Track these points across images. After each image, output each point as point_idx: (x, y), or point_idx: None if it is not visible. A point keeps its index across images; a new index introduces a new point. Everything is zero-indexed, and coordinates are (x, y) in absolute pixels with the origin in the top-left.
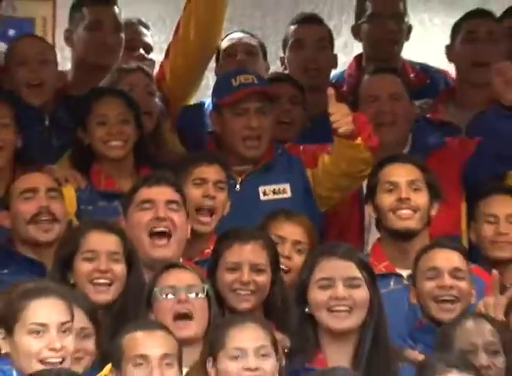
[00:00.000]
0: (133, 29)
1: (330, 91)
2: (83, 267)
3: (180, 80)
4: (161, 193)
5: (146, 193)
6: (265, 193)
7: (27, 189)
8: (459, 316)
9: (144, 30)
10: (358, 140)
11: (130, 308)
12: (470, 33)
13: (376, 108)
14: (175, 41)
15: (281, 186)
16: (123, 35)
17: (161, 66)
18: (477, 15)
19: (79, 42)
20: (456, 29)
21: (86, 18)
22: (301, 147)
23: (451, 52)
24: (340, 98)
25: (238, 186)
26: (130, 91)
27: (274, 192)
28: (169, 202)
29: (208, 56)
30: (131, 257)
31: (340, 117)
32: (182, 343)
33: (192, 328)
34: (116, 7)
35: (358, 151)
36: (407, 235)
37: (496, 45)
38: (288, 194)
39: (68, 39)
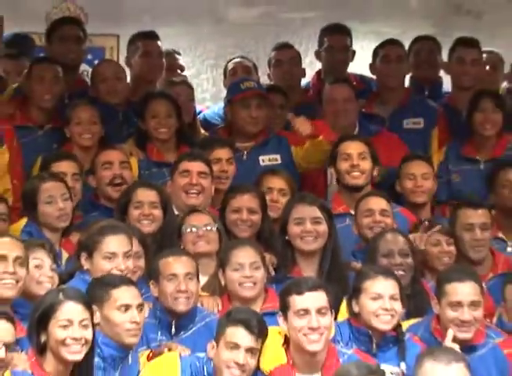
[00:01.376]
0: (171, 56)
1: (291, 116)
2: (133, 212)
3: None
4: (195, 165)
5: (185, 165)
6: (263, 161)
7: (105, 161)
8: (381, 231)
9: (177, 56)
10: (320, 138)
11: (166, 238)
12: (385, 56)
13: (335, 107)
14: None
15: (274, 156)
16: (164, 60)
17: None
18: (390, 43)
19: (135, 65)
20: (375, 52)
21: (140, 49)
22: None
23: (372, 69)
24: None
25: (245, 157)
26: (177, 96)
27: (269, 160)
28: (200, 172)
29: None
30: (166, 205)
31: (300, 125)
32: (201, 257)
33: (208, 248)
34: (159, 41)
35: (321, 145)
36: (357, 188)
37: (402, 64)
38: (279, 162)
39: (128, 63)
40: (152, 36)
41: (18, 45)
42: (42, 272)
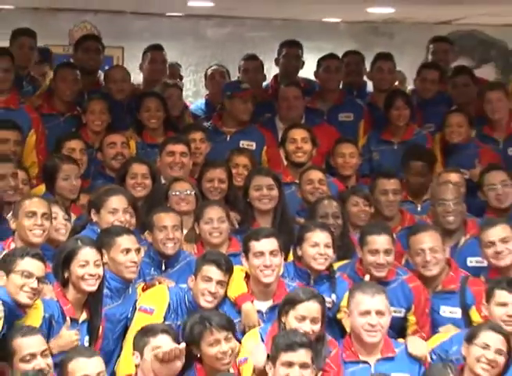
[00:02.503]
0: (175, 67)
1: None
2: (129, 181)
3: None
4: (178, 147)
5: (170, 147)
6: (242, 144)
7: (110, 142)
8: (319, 197)
9: (179, 67)
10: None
11: (156, 200)
12: (326, 67)
13: (287, 104)
14: None
15: (251, 143)
16: (167, 66)
17: None
18: (331, 56)
19: (145, 69)
20: (319, 63)
21: (148, 57)
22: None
23: (316, 75)
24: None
25: (228, 139)
26: (170, 96)
27: (247, 145)
28: (181, 152)
29: None
30: (155, 176)
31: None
32: (183, 214)
33: (188, 207)
34: (163, 52)
35: None
36: (301, 165)
37: (338, 73)
38: (253, 148)
39: (140, 68)
40: (158, 47)
41: (41, 54)
42: (58, 221)
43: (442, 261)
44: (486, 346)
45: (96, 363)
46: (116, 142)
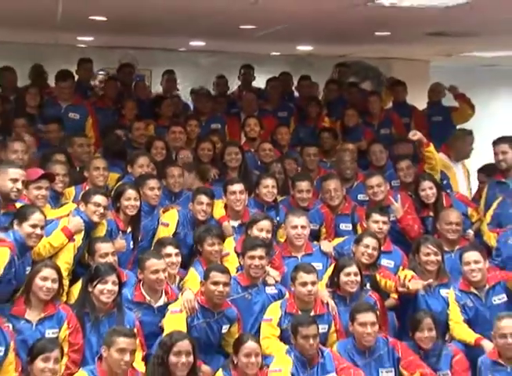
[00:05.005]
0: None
1: None
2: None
3: None
4: (177, 129)
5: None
6: (213, 127)
7: (137, 127)
8: (271, 160)
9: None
10: None
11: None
12: (273, 85)
13: (247, 103)
14: None
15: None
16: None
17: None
18: (274, 78)
19: (164, 85)
20: (267, 82)
21: (165, 77)
22: None
23: (265, 88)
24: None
25: (204, 124)
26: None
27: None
28: (181, 132)
29: None
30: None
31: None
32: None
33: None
34: (174, 74)
35: None
36: (254, 139)
37: (278, 87)
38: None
39: (161, 83)
40: (171, 71)
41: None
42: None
43: (341, 196)
44: (367, 246)
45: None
46: (140, 127)
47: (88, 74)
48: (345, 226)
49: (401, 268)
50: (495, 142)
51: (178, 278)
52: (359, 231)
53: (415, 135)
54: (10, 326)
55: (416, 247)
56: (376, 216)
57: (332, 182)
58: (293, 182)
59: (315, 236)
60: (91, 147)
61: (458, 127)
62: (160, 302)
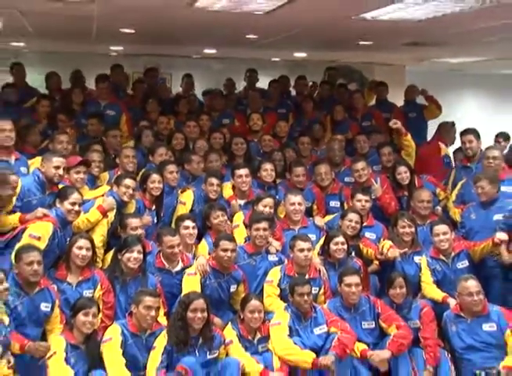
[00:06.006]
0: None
1: None
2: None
3: None
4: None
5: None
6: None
7: (161, 121)
8: (271, 149)
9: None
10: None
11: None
12: (272, 85)
13: (253, 100)
14: None
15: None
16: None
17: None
18: (274, 80)
19: (183, 86)
20: (269, 83)
21: (184, 80)
22: None
23: (268, 89)
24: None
25: (215, 119)
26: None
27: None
28: (194, 126)
29: None
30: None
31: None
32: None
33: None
34: (192, 77)
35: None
36: (257, 132)
37: (277, 87)
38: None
39: (180, 85)
40: (189, 75)
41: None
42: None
43: (331, 178)
44: (350, 220)
45: (178, 239)
46: (163, 121)
47: (120, 77)
48: (334, 203)
49: (382, 239)
50: (463, 133)
51: (194, 248)
52: (345, 208)
53: (395, 123)
54: (55, 287)
55: (393, 222)
56: (359, 196)
57: (322, 167)
58: (291, 167)
59: (308, 213)
60: (123, 139)
61: (445, 121)
62: (178, 268)
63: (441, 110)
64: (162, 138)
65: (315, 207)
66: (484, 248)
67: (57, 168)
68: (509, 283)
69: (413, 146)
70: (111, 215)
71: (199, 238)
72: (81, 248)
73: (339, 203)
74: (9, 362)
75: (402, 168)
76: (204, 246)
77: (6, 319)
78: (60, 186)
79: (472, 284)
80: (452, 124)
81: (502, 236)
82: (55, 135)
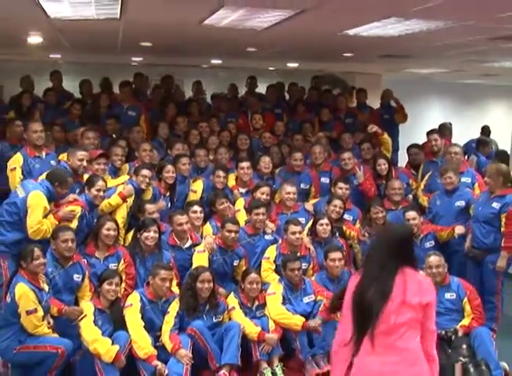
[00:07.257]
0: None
1: None
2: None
3: None
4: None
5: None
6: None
7: (177, 122)
8: (270, 144)
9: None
10: None
11: None
12: (269, 90)
13: (253, 103)
14: None
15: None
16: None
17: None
18: (271, 85)
19: (193, 91)
20: (267, 88)
21: (195, 86)
22: None
23: (266, 93)
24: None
25: (222, 118)
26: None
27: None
28: (206, 126)
29: None
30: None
31: None
32: None
33: None
34: (201, 84)
35: None
36: (259, 129)
37: (274, 92)
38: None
39: (192, 89)
40: (198, 82)
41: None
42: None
43: (323, 158)
44: (335, 206)
45: (186, 218)
46: (181, 121)
47: (141, 83)
48: (324, 180)
49: (358, 220)
50: (429, 133)
51: (201, 229)
52: (333, 190)
53: (372, 128)
54: (85, 261)
55: (368, 208)
56: (340, 184)
57: (317, 147)
58: (291, 153)
59: (306, 194)
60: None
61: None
62: (188, 244)
63: (406, 119)
64: (180, 134)
65: (312, 189)
66: (448, 234)
67: (81, 160)
68: (467, 259)
69: (390, 142)
70: (130, 201)
71: (206, 221)
72: (108, 229)
73: (328, 179)
74: (49, 323)
75: (382, 161)
76: (209, 228)
77: (46, 288)
78: (85, 176)
79: (432, 259)
80: (449, 123)
81: (460, 229)
82: (84, 131)
